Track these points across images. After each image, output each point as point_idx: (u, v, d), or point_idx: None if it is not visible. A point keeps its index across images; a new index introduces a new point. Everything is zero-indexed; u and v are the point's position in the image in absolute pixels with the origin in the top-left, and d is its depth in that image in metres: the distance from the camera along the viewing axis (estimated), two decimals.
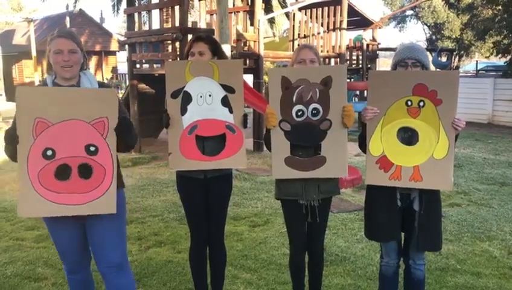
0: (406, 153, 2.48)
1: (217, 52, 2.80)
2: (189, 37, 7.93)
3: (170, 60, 8.17)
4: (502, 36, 13.96)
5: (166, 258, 3.87)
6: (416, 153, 2.47)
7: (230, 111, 2.68)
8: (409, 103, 2.43)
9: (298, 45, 10.73)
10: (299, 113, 2.54)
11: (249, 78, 9.45)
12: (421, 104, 2.42)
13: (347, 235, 4.35)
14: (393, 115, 2.46)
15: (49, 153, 2.20)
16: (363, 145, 2.59)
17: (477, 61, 21.08)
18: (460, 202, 5.47)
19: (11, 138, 2.20)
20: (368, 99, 2.53)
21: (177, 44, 7.84)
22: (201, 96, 2.64)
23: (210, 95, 2.64)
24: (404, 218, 2.61)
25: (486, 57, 21.56)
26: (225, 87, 2.64)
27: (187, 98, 2.64)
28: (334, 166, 2.58)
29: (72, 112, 2.22)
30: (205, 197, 2.82)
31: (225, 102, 2.66)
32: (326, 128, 2.55)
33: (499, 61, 16.71)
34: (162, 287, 3.36)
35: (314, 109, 2.53)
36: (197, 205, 2.84)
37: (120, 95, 12.06)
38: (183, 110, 2.64)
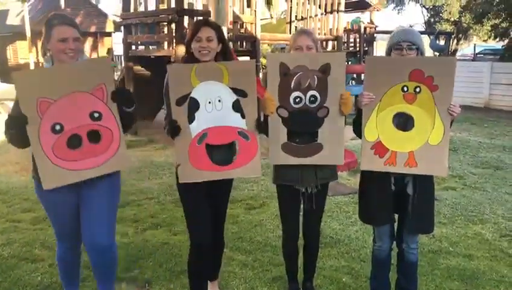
0: (401, 138, 2.49)
1: (222, 40, 2.58)
2: (186, 18, 7.87)
3: (166, 41, 8.14)
4: (500, 19, 13.89)
5: (163, 240, 3.90)
6: (412, 138, 2.48)
7: (243, 116, 2.50)
8: (405, 88, 2.42)
9: (295, 28, 10.67)
10: (296, 100, 2.52)
11: None
12: (417, 90, 2.42)
13: (342, 218, 4.40)
14: (389, 101, 2.46)
15: (58, 127, 2.30)
16: (356, 131, 2.60)
17: (475, 44, 20.99)
18: (455, 186, 5.51)
19: (17, 121, 2.24)
20: (364, 85, 2.52)
21: (173, 26, 7.77)
22: (209, 102, 2.45)
23: (220, 101, 2.46)
24: (398, 201, 2.64)
25: (484, 41, 21.48)
26: (236, 91, 2.46)
27: (194, 105, 2.45)
28: (331, 154, 2.58)
29: (71, 85, 2.29)
30: (207, 196, 2.66)
31: (237, 107, 2.48)
32: (323, 115, 2.53)
33: (497, 44, 16.67)
34: (158, 269, 3.39)
35: (312, 96, 2.51)
36: (199, 204, 2.65)
37: (116, 77, 12.00)
38: (191, 118, 2.46)
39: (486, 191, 5.32)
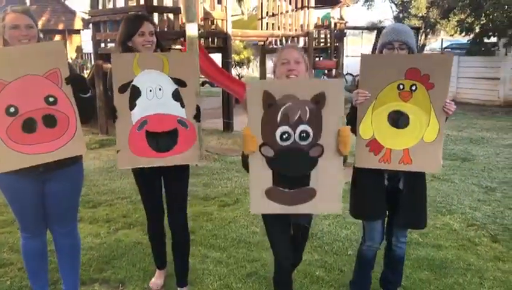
0: (396, 136, 2.47)
1: (156, 34, 2.74)
2: (156, 15, 7.78)
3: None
4: (466, 15, 14.22)
5: (136, 239, 3.87)
6: (407, 136, 2.47)
7: (182, 105, 2.58)
8: (401, 86, 2.40)
9: (267, 24, 10.69)
10: (284, 136, 2.17)
11: (217, 58, 9.38)
12: (413, 88, 2.39)
13: None
14: (385, 99, 2.43)
15: (12, 110, 2.27)
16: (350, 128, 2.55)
17: (442, 39, 21.46)
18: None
19: None
20: (359, 82, 2.48)
21: None
22: (150, 90, 2.53)
23: (160, 89, 2.54)
24: (390, 197, 2.64)
25: (451, 35, 21.95)
26: (176, 80, 2.55)
27: (136, 93, 2.53)
28: (325, 200, 2.27)
29: (25, 68, 2.28)
30: (161, 179, 2.86)
31: (176, 96, 2.56)
32: (317, 155, 2.21)
33: (463, 39, 17.05)
34: (131, 269, 3.37)
35: (303, 131, 2.17)
36: (154, 189, 2.88)
37: (86, 75, 11.77)
38: (132, 105, 2.53)
39: (454, 183, 5.46)
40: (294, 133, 2.17)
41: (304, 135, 2.18)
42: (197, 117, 2.62)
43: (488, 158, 6.74)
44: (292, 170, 2.24)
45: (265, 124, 2.17)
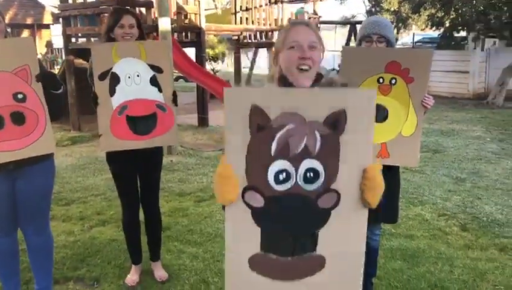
0: (374, 130, 2.49)
1: (140, 26, 2.84)
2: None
3: (102, 34, 7.88)
4: (436, 9, 14.48)
5: (110, 236, 3.83)
6: (385, 130, 2.46)
7: (160, 90, 2.74)
8: (381, 80, 2.40)
9: (241, 18, 10.65)
10: (281, 177, 1.43)
11: (191, 52, 9.31)
12: (393, 81, 2.40)
13: None
14: None
15: None
16: None
17: (414, 33, 21.81)
18: None
19: None
20: (339, 75, 2.44)
21: None
22: (129, 77, 2.68)
23: (138, 76, 2.69)
24: None
25: (422, 30, 22.34)
26: (153, 67, 2.70)
27: (115, 79, 2.66)
28: (340, 275, 1.52)
29: None
30: (136, 166, 2.91)
31: (154, 82, 2.72)
32: (329, 205, 1.47)
33: (434, 33, 17.36)
34: (106, 266, 3.33)
35: (310, 169, 1.43)
36: (129, 175, 2.94)
37: (56, 71, 11.54)
38: (112, 92, 2.67)
39: (425, 174, 5.59)
40: (297, 172, 1.43)
41: (311, 175, 1.43)
42: (175, 101, 2.79)
43: (458, 150, 6.92)
44: (292, 227, 1.48)
45: (252, 156, 1.42)
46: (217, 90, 7.44)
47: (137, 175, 2.97)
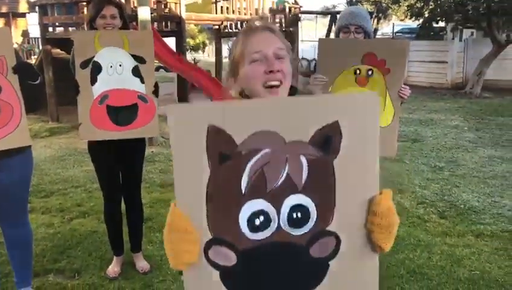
0: None
1: (123, 17, 2.81)
2: None
3: (86, 22, 7.76)
4: (415, 0, 14.61)
5: (91, 228, 3.80)
6: None
7: (142, 81, 2.71)
8: (358, 71, 2.42)
9: (221, 8, 10.55)
10: (257, 222, 1.01)
11: (171, 42, 9.22)
12: (370, 72, 2.42)
13: None
14: (342, 84, 2.42)
15: None
16: None
17: (393, 24, 21.98)
18: None
19: None
20: (317, 67, 2.47)
21: None
22: (111, 66, 2.64)
23: (120, 65, 2.66)
24: None
25: (401, 20, 22.52)
26: (135, 57, 2.67)
27: (97, 68, 2.62)
28: None
29: None
30: (118, 157, 2.89)
31: (136, 72, 2.69)
32: (326, 254, 1.07)
33: (413, 24, 17.53)
34: (87, 258, 3.31)
35: (296, 208, 1.03)
36: (111, 166, 2.92)
37: (33, 62, 11.29)
38: (93, 80, 2.63)
39: (404, 163, 5.68)
40: (279, 214, 1.02)
41: (299, 215, 1.03)
42: (156, 93, 2.76)
43: (436, 139, 7.04)
44: (278, 288, 1.09)
45: (215, 198, 1.00)
46: (198, 80, 7.40)
47: (119, 166, 2.94)
